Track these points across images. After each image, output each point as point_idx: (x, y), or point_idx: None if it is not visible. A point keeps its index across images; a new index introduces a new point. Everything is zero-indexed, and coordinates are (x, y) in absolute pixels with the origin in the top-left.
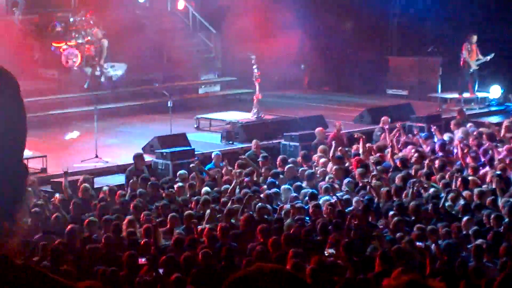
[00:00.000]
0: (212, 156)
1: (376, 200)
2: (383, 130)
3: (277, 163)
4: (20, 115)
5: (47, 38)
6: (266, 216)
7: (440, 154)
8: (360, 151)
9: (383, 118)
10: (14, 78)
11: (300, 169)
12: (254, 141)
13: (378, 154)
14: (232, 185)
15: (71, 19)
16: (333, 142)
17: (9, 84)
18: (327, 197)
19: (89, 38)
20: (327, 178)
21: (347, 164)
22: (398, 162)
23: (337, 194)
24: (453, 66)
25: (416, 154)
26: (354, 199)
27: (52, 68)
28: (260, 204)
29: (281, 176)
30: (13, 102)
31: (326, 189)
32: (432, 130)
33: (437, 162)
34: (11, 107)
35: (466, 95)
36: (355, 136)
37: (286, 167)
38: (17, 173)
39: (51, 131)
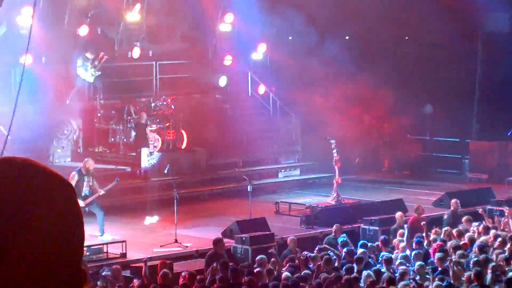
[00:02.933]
0: (288, 241)
1: (456, 285)
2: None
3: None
4: (77, 221)
5: (128, 122)
6: None
7: None
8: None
9: (452, 201)
10: (69, 185)
11: (380, 254)
12: (335, 225)
13: (460, 240)
14: (315, 270)
15: (153, 104)
16: (406, 226)
17: (64, 191)
18: (405, 282)
19: (170, 123)
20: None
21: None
22: (476, 248)
23: (416, 278)
24: None
25: (499, 239)
26: (434, 284)
27: (133, 152)
28: None
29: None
30: (68, 209)
31: (402, 273)
32: (506, 212)
33: None
34: (67, 214)
35: None
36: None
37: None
38: (76, 279)
39: (131, 216)
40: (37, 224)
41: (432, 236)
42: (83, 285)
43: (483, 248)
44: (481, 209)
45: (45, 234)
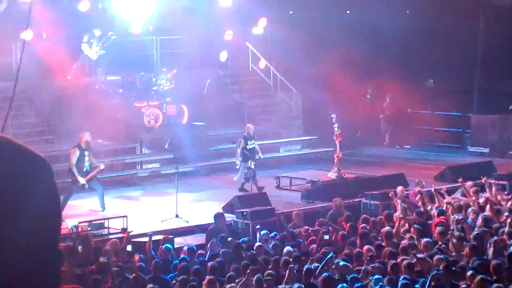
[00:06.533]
0: (293, 215)
1: (457, 259)
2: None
3: (359, 223)
4: (53, 200)
5: (129, 98)
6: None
7: None
8: (444, 207)
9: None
10: (46, 163)
11: (382, 229)
12: (336, 199)
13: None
14: (317, 244)
15: (153, 79)
16: (403, 201)
17: (41, 169)
18: (406, 256)
19: (170, 98)
20: (406, 236)
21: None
22: (480, 221)
23: (417, 254)
24: None
25: (506, 213)
26: (435, 258)
27: (134, 128)
28: (342, 263)
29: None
30: (45, 188)
31: (403, 248)
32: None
33: None
34: (44, 193)
35: None
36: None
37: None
38: (51, 259)
39: (132, 190)
40: (11, 200)
41: (433, 210)
42: (58, 265)
43: (487, 222)
44: (484, 179)
45: (20, 212)
